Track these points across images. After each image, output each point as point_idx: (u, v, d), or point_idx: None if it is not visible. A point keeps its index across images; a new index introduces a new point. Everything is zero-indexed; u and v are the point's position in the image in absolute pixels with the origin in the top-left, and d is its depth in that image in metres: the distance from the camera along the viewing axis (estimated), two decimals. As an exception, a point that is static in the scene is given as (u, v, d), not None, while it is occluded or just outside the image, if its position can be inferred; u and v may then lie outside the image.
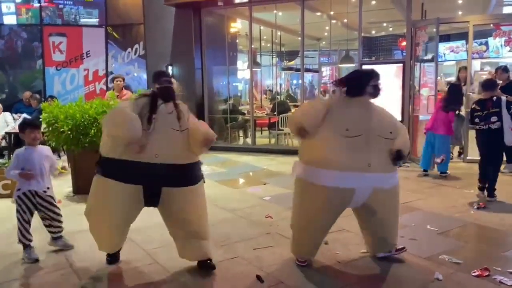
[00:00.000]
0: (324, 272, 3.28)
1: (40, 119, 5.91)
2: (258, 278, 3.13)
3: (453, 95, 6.34)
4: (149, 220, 3.72)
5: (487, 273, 3.13)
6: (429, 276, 3.12)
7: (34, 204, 3.63)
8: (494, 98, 5.02)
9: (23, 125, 3.77)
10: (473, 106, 5.18)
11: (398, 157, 3.09)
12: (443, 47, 13.77)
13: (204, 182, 3.39)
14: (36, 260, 3.54)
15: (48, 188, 3.69)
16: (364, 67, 8.02)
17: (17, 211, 3.58)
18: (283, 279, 3.14)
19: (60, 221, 3.80)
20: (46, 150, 3.82)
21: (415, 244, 3.75)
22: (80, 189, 5.69)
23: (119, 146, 3.04)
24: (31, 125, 3.73)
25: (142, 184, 3.08)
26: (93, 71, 10.60)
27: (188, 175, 3.23)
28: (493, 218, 4.47)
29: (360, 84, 3.20)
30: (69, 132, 5.44)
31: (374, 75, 3.25)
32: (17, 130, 7.19)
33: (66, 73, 10.57)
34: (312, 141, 3.17)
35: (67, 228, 4.35)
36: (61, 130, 5.47)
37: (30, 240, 3.60)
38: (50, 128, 5.62)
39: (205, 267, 3.25)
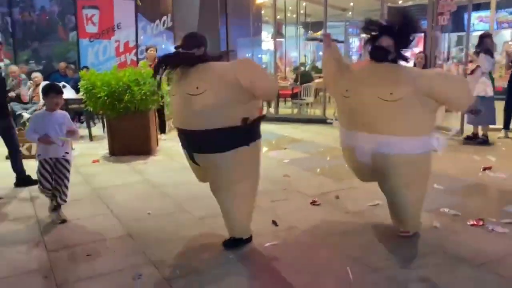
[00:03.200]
0: (332, 220, 3.67)
1: (78, 86, 6.45)
2: (274, 222, 3.57)
3: None
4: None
5: (481, 223, 3.46)
6: (428, 224, 3.46)
7: (53, 169, 3.65)
8: None
9: (48, 89, 3.72)
10: None
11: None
12: (472, 17, 13.57)
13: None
14: (64, 221, 3.67)
15: (67, 153, 3.70)
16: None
17: (39, 180, 3.64)
18: (296, 224, 3.56)
19: (67, 189, 3.75)
20: (64, 115, 3.79)
21: (419, 199, 4.07)
22: (116, 150, 6.24)
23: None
24: (56, 90, 3.71)
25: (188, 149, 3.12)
26: (124, 43, 11.04)
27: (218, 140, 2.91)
28: (497, 179, 4.73)
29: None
30: (106, 98, 5.93)
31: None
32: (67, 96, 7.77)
33: (98, 45, 11.06)
34: None
35: (107, 183, 4.92)
36: (98, 96, 5.97)
37: (60, 203, 3.69)
38: (88, 94, 6.12)
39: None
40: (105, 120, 6.86)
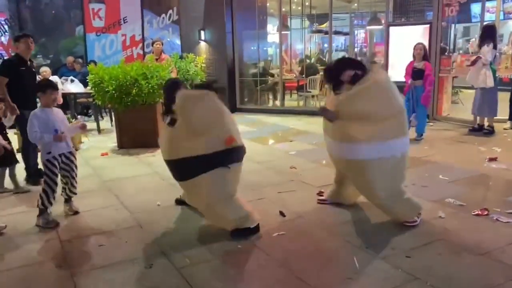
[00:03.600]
0: (339, 210, 3.73)
1: (86, 80, 6.54)
2: (281, 213, 3.64)
3: None
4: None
5: (486, 213, 3.50)
6: (433, 214, 3.52)
7: (60, 165, 3.64)
8: None
9: (46, 86, 3.67)
10: None
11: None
12: (477, 7, 13.45)
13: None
14: (57, 224, 3.55)
15: (72, 147, 3.78)
16: (392, 28, 8.16)
17: (47, 174, 3.56)
18: (302, 214, 3.63)
19: (76, 182, 3.81)
20: (60, 110, 3.80)
21: (425, 190, 4.13)
22: (124, 143, 6.33)
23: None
24: (53, 86, 3.68)
25: None
26: (130, 37, 11.10)
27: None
28: (502, 170, 4.76)
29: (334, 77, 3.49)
30: (114, 92, 6.01)
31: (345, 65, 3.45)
32: (67, 91, 7.87)
33: (105, 39, 11.13)
34: None
35: (116, 175, 5.01)
36: (106, 90, 6.04)
37: (51, 204, 3.58)
38: (96, 88, 6.20)
39: None
40: (113, 113, 6.94)
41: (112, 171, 5.22)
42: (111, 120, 7.88)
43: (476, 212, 3.51)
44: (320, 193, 4.11)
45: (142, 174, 5.04)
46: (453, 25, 12.85)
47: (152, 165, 5.39)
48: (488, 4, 13.09)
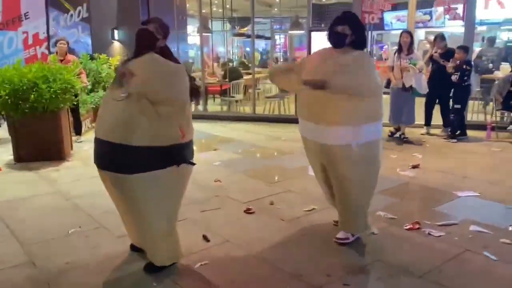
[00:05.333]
0: (268, 230, 3.41)
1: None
2: (204, 237, 3.22)
3: None
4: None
5: (417, 226, 3.39)
6: (365, 231, 3.33)
7: None
8: None
9: None
10: None
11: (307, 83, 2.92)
12: (390, 16, 14.15)
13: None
14: None
15: None
16: (313, 33, 8.12)
17: None
18: (229, 237, 3.25)
19: None
20: None
21: (355, 202, 3.96)
22: (22, 156, 5.49)
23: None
24: None
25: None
26: (33, 34, 9.96)
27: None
28: (425, 177, 4.79)
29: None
30: (7, 97, 5.17)
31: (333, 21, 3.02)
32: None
33: (2, 36, 9.88)
34: None
35: (8, 196, 4.25)
36: (-2, 95, 5.19)
37: None
38: (-15, 93, 5.31)
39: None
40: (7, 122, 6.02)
41: (3, 190, 4.42)
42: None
43: (408, 226, 3.39)
44: (247, 210, 3.76)
45: (41, 194, 4.32)
46: (369, 32, 13.45)
47: (55, 183, 4.67)
48: (398, 13, 13.90)
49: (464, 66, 6.41)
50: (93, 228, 3.46)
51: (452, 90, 6.67)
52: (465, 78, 6.44)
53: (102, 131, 2.56)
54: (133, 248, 2.98)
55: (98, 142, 2.59)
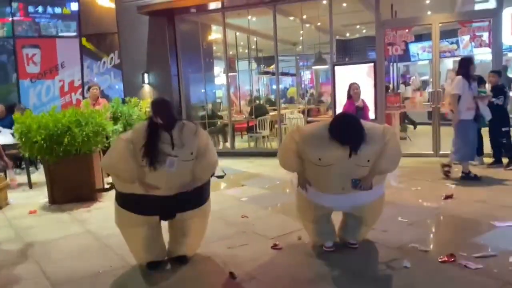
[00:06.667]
0: (296, 266, 3.34)
1: (12, 131, 5.90)
2: (231, 274, 3.17)
3: None
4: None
5: (452, 259, 3.23)
6: (398, 264, 3.21)
7: None
8: None
9: None
10: None
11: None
12: (415, 47, 14.13)
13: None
14: None
15: None
16: (337, 68, 8.18)
17: None
18: (256, 274, 3.19)
19: None
20: None
21: (385, 235, 3.84)
22: (56, 198, 5.66)
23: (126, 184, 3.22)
24: None
25: (158, 213, 3.31)
26: (69, 82, 10.53)
27: (197, 197, 3.37)
28: (460, 207, 4.60)
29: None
30: (43, 142, 5.41)
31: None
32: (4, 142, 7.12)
33: (41, 85, 10.49)
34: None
35: (41, 237, 4.36)
36: (34, 140, 5.43)
37: None
38: (23, 139, 5.57)
39: (179, 260, 3.42)
40: (43, 166, 6.26)
41: (38, 232, 4.55)
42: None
43: (443, 259, 3.24)
44: (274, 246, 3.71)
45: (72, 234, 4.42)
46: (395, 64, 13.42)
47: (85, 222, 4.77)
48: (424, 44, 13.87)
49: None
50: (121, 266, 3.48)
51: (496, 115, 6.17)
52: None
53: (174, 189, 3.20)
54: (154, 265, 3.35)
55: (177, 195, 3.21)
